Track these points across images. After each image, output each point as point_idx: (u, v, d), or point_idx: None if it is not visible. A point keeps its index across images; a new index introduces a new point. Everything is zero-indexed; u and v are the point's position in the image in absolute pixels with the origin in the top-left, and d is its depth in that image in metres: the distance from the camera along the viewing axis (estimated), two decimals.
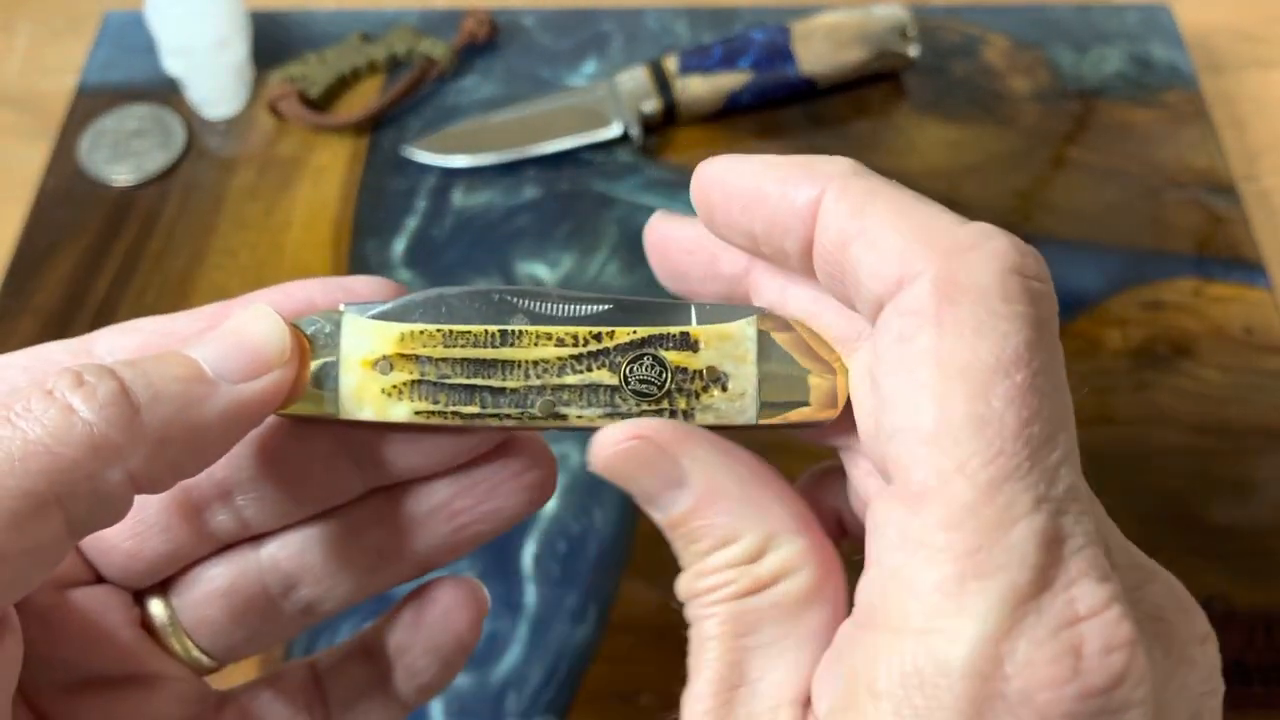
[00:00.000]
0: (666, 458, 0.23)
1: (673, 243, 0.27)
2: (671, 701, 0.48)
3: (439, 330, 0.24)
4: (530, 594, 0.47)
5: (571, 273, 0.57)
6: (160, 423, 0.21)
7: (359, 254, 0.58)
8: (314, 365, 0.24)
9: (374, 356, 0.24)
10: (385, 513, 0.27)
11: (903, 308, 0.20)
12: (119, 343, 0.25)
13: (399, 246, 0.59)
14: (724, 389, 0.24)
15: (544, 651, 0.46)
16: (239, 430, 0.23)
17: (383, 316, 0.24)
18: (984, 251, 0.20)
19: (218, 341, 0.23)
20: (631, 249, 0.58)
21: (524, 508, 0.27)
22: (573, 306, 0.24)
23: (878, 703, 0.19)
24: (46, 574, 0.21)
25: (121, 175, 0.61)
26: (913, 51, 0.63)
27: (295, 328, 0.24)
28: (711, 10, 0.70)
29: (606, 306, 0.25)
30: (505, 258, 0.58)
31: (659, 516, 0.24)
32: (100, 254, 0.59)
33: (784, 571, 0.22)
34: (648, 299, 0.25)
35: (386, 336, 0.24)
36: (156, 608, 0.28)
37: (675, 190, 0.60)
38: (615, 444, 0.23)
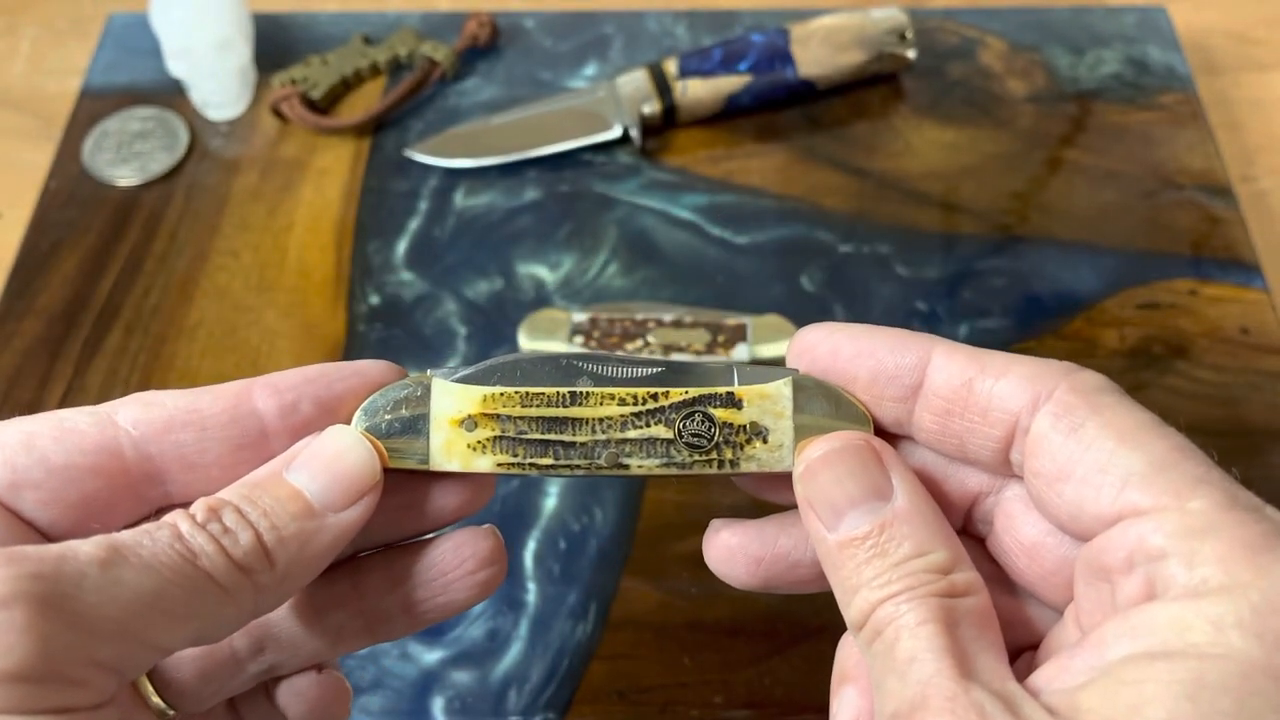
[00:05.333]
0: (879, 468, 0.26)
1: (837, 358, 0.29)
2: (671, 699, 0.48)
3: (516, 392, 0.27)
4: (531, 592, 0.48)
5: (572, 273, 0.58)
6: (285, 563, 0.25)
7: (361, 255, 0.59)
8: (407, 419, 0.27)
9: (461, 416, 0.27)
10: (350, 598, 0.29)
11: (1057, 411, 0.25)
12: (142, 416, 0.26)
13: (401, 247, 0.59)
14: (764, 441, 0.27)
15: (545, 649, 0.46)
16: (339, 550, 0.26)
17: (466, 380, 0.27)
18: (1087, 371, 0.26)
19: (320, 473, 0.26)
20: (631, 250, 0.59)
21: (473, 601, 0.29)
22: (630, 369, 0.28)
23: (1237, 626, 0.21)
24: (155, 662, 0.25)
25: (125, 176, 0.62)
26: (910, 54, 0.64)
27: (373, 439, 0.27)
28: (711, 13, 0.70)
29: (659, 369, 0.28)
30: (506, 258, 0.59)
31: (850, 529, 0.25)
32: (104, 255, 0.59)
33: (972, 589, 0.25)
34: (694, 361, 0.28)
35: (471, 398, 0.27)
36: None
37: (675, 192, 0.61)
38: (833, 442, 0.26)
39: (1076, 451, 0.24)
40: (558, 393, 0.27)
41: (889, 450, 0.27)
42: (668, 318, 0.55)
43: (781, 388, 0.27)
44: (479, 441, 0.27)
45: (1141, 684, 0.21)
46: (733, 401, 0.27)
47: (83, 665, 0.21)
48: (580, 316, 0.55)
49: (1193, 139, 0.62)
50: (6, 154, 0.66)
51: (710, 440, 0.27)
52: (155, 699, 0.28)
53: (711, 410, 0.27)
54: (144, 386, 0.27)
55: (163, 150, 0.63)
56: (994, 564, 0.28)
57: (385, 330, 0.56)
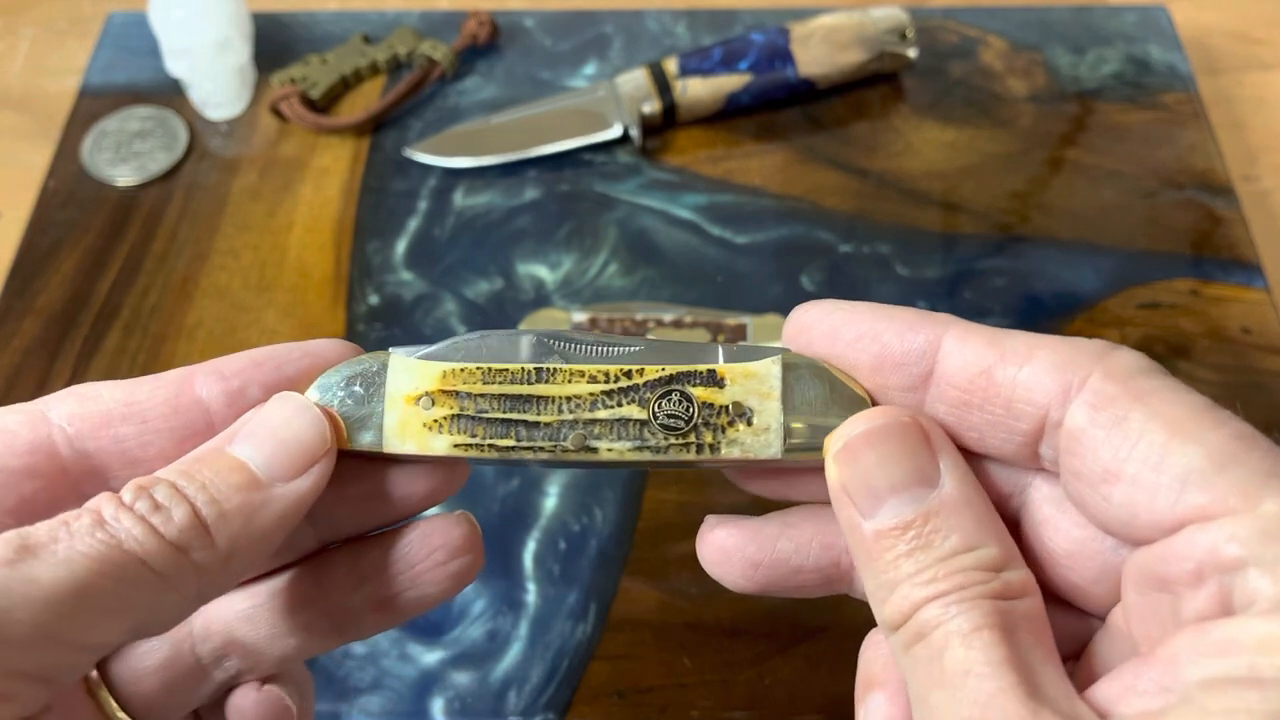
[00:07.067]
0: (927, 450, 0.23)
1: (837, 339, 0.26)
2: (671, 699, 0.48)
3: (478, 368, 0.25)
4: (531, 592, 0.48)
5: (572, 273, 0.58)
6: (229, 539, 0.23)
7: (360, 255, 0.59)
8: (361, 395, 0.25)
9: (417, 393, 0.25)
10: (315, 596, 0.27)
11: (1095, 402, 0.22)
12: (77, 411, 0.25)
13: (400, 247, 0.59)
14: (749, 424, 0.25)
15: (544, 649, 0.46)
16: (291, 525, 0.24)
17: (428, 357, 0.25)
18: (1123, 351, 0.23)
19: (264, 442, 0.24)
20: (631, 250, 0.59)
21: (447, 594, 0.27)
22: (606, 348, 0.25)
23: None
24: (92, 665, 0.23)
25: (124, 176, 0.62)
26: (911, 53, 0.64)
27: (327, 409, 0.25)
28: (711, 12, 0.70)
29: (638, 348, 0.25)
30: (506, 258, 0.58)
31: (890, 517, 0.23)
32: (103, 254, 0.59)
33: (1027, 590, 0.22)
34: (678, 341, 0.25)
35: (429, 374, 0.25)
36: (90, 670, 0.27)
37: (675, 191, 0.61)
38: (875, 419, 0.24)
39: (1123, 448, 0.21)
40: (523, 369, 0.25)
41: (937, 430, 0.24)
42: (668, 318, 0.55)
43: (770, 366, 0.25)
44: (435, 420, 0.25)
45: (1232, 714, 0.18)
46: (714, 380, 0.25)
47: (1, 677, 0.20)
48: (580, 316, 0.55)
49: (1194, 138, 0.62)
50: (6, 154, 0.66)
51: (688, 421, 0.25)
52: (119, 713, 0.27)
53: (690, 389, 0.25)
54: None
55: (162, 150, 0.63)
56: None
57: (385, 330, 0.56)
